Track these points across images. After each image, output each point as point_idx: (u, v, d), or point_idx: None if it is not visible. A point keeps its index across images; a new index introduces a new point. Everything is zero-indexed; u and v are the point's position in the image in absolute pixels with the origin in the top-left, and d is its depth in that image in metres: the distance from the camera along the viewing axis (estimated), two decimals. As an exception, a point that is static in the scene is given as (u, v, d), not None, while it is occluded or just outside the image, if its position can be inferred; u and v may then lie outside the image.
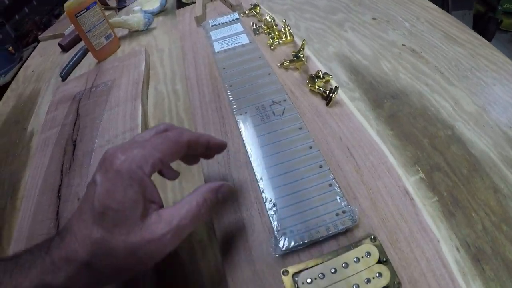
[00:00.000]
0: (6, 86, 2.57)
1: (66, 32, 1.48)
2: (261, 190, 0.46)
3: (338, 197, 0.43)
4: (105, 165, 0.33)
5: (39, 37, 1.71)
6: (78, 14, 0.95)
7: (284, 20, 0.78)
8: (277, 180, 0.46)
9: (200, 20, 0.96)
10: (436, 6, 0.90)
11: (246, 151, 0.52)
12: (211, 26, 0.91)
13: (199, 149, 0.40)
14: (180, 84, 0.80)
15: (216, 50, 0.79)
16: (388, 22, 0.84)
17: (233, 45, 0.78)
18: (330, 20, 0.89)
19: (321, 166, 0.46)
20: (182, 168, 0.53)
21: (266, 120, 0.55)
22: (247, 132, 0.55)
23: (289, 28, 0.76)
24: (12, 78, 2.58)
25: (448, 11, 1.92)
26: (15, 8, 4.08)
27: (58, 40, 1.41)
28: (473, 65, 0.67)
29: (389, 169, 0.46)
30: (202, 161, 0.52)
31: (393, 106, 0.59)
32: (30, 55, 2.94)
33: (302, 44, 0.67)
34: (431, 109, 0.58)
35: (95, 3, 0.98)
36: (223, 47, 0.79)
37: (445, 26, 0.80)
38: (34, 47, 3.10)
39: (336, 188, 0.44)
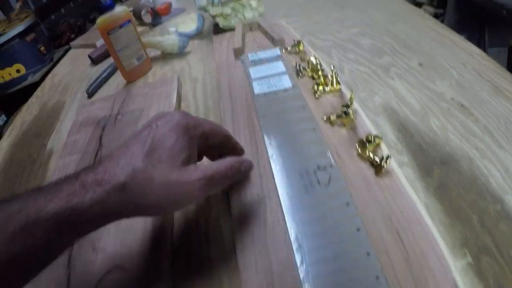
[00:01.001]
0: (33, 85, 2.63)
1: (98, 43, 1.48)
2: (301, 280, 0.41)
3: (385, 292, 0.38)
4: (166, 118, 0.41)
5: (71, 43, 1.73)
6: (110, 32, 0.93)
7: (332, 67, 0.73)
8: (319, 268, 0.42)
9: (238, 53, 0.92)
10: (480, 51, 0.87)
11: (286, 227, 0.47)
12: (250, 61, 0.87)
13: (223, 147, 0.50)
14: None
15: (255, 93, 0.74)
16: (435, 69, 0.80)
17: (274, 89, 0.73)
18: (376, 63, 0.85)
19: (368, 254, 0.41)
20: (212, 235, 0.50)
21: (310, 190, 0.49)
22: (288, 202, 0.50)
23: (336, 75, 0.71)
24: (41, 79, 2.62)
25: (484, 48, 1.90)
26: (52, 7, 4.14)
27: (90, 50, 1.40)
28: (524, 124, 0.62)
29: (439, 258, 0.41)
30: (235, 228, 0.49)
31: (443, 174, 0.55)
32: (60, 57, 2.98)
33: (351, 97, 0.62)
34: (481, 178, 0.53)
35: (129, 21, 0.96)
36: (263, 89, 0.75)
37: (492, 77, 0.75)
38: (66, 50, 3.12)
39: (383, 281, 0.39)
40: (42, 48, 2.90)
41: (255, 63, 0.85)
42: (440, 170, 0.55)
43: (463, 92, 0.72)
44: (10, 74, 2.68)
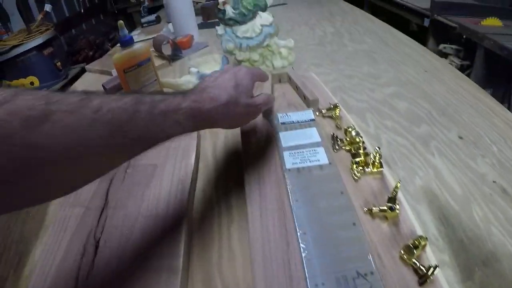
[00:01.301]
0: None
1: (114, 72, 1.44)
2: None
3: None
4: (239, 68, 0.63)
5: (86, 66, 1.69)
6: (127, 70, 0.89)
7: (377, 148, 0.66)
8: None
9: (267, 114, 0.83)
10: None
11: None
12: (281, 123, 0.79)
13: None
14: (235, 199, 0.67)
15: (287, 167, 0.66)
16: (475, 144, 0.76)
17: (309, 164, 0.66)
18: (414, 134, 0.81)
19: None
20: None
21: None
22: None
23: (380, 155, 0.65)
24: None
25: (509, 102, 1.86)
26: (73, 22, 4.20)
27: (105, 76, 1.40)
28: None
29: None
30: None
31: (484, 278, 0.50)
32: (75, 75, 3.00)
33: (397, 186, 0.56)
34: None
35: (149, 59, 0.92)
36: (296, 163, 0.66)
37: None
38: (82, 68, 3.17)
39: None
40: (59, 64, 2.95)
41: (286, 126, 0.77)
42: (482, 273, 0.50)
43: (504, 173, 0.67)
44: (23, 85, 2.72)
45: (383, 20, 1.70)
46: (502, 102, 1.90)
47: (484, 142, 0.77)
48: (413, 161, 0.73)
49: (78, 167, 0.36)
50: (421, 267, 0.46)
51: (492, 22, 2.10)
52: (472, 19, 2.15)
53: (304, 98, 0.91)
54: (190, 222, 0.62)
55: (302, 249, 0.50)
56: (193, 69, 1.08)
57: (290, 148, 0.70)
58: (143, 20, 2.39)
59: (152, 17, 2.41)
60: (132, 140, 0.40)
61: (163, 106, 0.44)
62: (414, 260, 0.47)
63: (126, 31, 0.90)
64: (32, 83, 2.74)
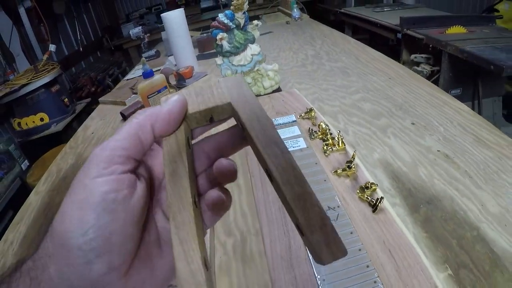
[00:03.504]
0: (55, 134, 2.87)
1: (128, 101, 1.66)
2: (318, 284, 0.58)
3: (381, 293, 0.55)
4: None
5: (100, 99, 1.90)
6: (150, 96, 1.11)
7: (339, 131, 0.91)
8: (332, 277, 0.58)
9: None
10: (468, 108, 1.04)
11: (306, 249, 0.64)
12: None
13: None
14: (243, 179, 0.90)
15: None
16: (425, 127, 0.98)
17: (292, 149, 0.91)
18: (375, 125, 1.03)
19: (368, 266, 0.58)
20: (246, 258, 0.66)
21: None
22: None
23: (342, 137, 0.89)
24: (63, 128, 2.81)
25: (479, 100, 2.08)
26: (72, 60, 4.40)
27: (118, 107, 1.58)
28: (500, 167, 0.79)
29: (422, 269, 0.57)
30: (267, 254, 0.65)
31: (428, 211, 0.71)
32: (82, 109, 3.15)
33: (353, 155, 0.80)
34: (460, 213, 0.69)
35: (165, 87, 1.15)
36: None
37: (476, 129, 0.93)
38: (87, 103, 3.32)
39: (380, 285, 0.56)
40: (66, 100, 3.06)
41: (275, 127, 1.03)
42: (426, 208, 0.72)
43: (448, 145, 0.89)
44: (33, 122, 2.83)
45: (366, 38, 1.92)
46: (472, 99, 2.14)
47: (433, 125, 0.99)
48: (373, 143, 0.96)
49: None
50: (372, 200, 0.68)
51: (456, 30, 2.32)
52: (438, 30, 2.38)
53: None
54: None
55: None
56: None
57: None
58: (144, 55, 2.62)
59: (152, 52, 2.66)
60: None
61: None
62: (367, 197, 0.69)
63: (148, 66, 1.16)
64: (42, 119, 2.84)
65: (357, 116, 1.10)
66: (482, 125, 0.95)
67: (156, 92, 1.13)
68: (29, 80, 2.72)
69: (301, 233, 0.27)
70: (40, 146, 2.73)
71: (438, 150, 0.88)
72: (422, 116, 1.04)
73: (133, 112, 1.42)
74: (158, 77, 1.15)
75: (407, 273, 0.57)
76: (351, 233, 0.65)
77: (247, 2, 1.25)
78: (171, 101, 0.31)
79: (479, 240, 0.63)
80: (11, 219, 2.35)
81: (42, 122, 2.86)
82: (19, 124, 2.83)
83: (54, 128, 2.89)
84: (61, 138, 2.83)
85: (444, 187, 0.77)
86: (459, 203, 0.72)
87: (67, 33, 4.67)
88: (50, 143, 2.70)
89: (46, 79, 2.81)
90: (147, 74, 1.16)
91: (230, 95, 0.32)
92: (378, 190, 0.72)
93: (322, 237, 0.25)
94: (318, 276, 0.59)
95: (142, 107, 1.44)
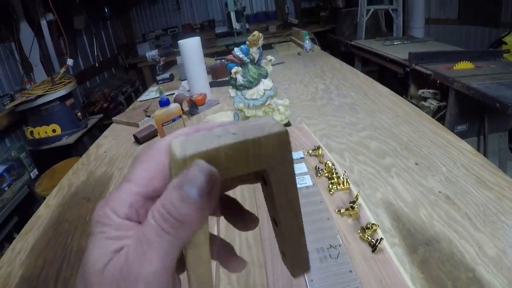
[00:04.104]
0: (66, 147, 2.93)
1: (140, 123, 1.72)
2: None
3: (376, 331, 0.59)
4: None
5: (113, 118, 1.96)
6: (164, 124, 1.16)
7: (344, 171, 0.95)
8: None
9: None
10: (471, 148, 1.07)
11: (307, 285, 0.67)
12: None
13: None
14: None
15: None
16: (428, 168, 1.01)
17: (299, 186, 0.95)
18: (380, 164, 1.07)
19: (364, 307, 0.63)
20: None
21: (324, 261, 0.71)
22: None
23: (347, 177, 0.93)
24: (75, 142, 2.90)
25: (484, 135, 2.11)
26: (88, 74, 4.49)
27: (131, 128, 1.65)
28: (499, 209, 0.82)
29: (417, 311, 0.61)
30: (269, 286, 0.69)
31: (426, 252, 0.74)
32: (94, 124, 3.23)
33: (357, 195, 0.84)
34: (457, 254, 0.72)
35: (180, 116, 1.20)
36: None
37: (478, 170, 0.96)
38: (99, 119, 3.39)
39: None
40: (79, 114, 3.13)
41: None
42: (424, 249, 0.75)
43: (450, 186, 0.93)
44: (46, 132, 2.89)
45: (375, 71, 1.96)
46: (478, 135, 2.18)
47: (436, 165, 1.03)
48: (376, 182, 1.00)
49: None
50: (372, 240, 0.72)
51: (463, 65, 2.36)
52: (446, 65, 2.43)
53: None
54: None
55: None
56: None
57: None
58: (158, 77, 2.71)
59: (167, 75, 2.74)
60: None
61: None
62: (368, 237, 0.73)
63: (164, 95, 1.21)
64: (54, 131, 2.89)
65: (363, 155, 1.14)
66: (484, 166, 0.98)
67: (171, 121, 1.18)
68: (45, 92, 2.80)
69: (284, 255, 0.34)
70: (50, 156, 2.80)
71: (439, 191, 0.91)
72: (426, 156, 1.07)
73: (146, 135, 1.49)
74: (174, 106, 1.20)
75: (403, 315, 0.61)
76: (350, 271, 0.68)
77: (262, 38, 1.30)
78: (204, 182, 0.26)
79: (474, 282, 0.66)
80: (16, 225, 2.42)
81: (54, 134, 2.92)
82: (31, 132, 2.89)
83: (66, 141, 2.96)
84: (71, 151, 2.90)
85: (443, 228, 0.80)
86: (456, 244, 0.75)
87: (84, 48, 4.79)
88: (60, 155, 2.77)
89: (62, 92, 2.89)
90: (164, 103, 1.21)
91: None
92: (378, 230, 0.76)
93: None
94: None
95: (155, 131, 1.49)
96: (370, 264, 0.70)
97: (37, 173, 2.81)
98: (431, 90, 2.45)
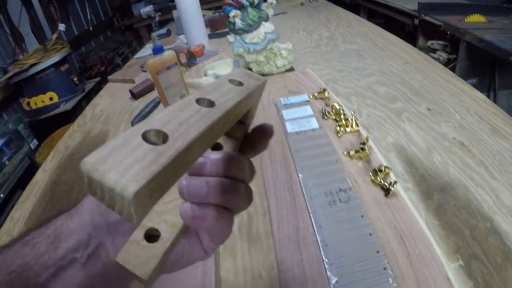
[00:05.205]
0: (65, 113, 2.85)
1: (137, 80, 1.64)
2: (326, 268, 0.56)
3: (390, 279, 0.53)
4: None
5: (109, 77, 1.89)
6: (159, 72, 1.08)
7: (352, 112, 0.89)
8: (340, 261, 0.57)
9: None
10: (484, 97, 1.00)
11: (314, 231, 0.62)
12: (283, 104, 1.04)
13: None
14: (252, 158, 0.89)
15: (288, 131, 0.91)
16: (441, 114, 0.95)
17: (304, 129, 0.90)
18: (389, 108, 1.00)
19: (378, 252, 0.57)
20: (252, 238, 0.65)
21: (334, 206, 0.66)
22: (316, 214, 0.66)
23: (355, 118, 0.87)
24: (72, 108, 2.81)
25: (494, 91, 2.03)
26: (82, 39, 4.38)
27: (127, 85, 1.57)
28: (515, 160, 0.75)
29: (434, 258, 0.55)
30: (274, 234, 0.63)
31: (441, 199, 0.69)
32: (92, 88, 3.14)
33: (367, 137, 0.78)
34: (474, 202, 0.67)
35: (175, 64, 1.12)
36: (295, 129, 0.91)
37: (492, 119, 0.90)
38: (96, 82, 3.29)
39: (389, 271, 0.54)
40: (75, 79, 3.05)
41: (287, 106, 1.03)
42: (439, 196, 0.69)
43: (464, 133, 0.86)
44: (43, 101, 2.81)
45: (381, 23, 1.87)
46: (488, 90, 2.10)
47: (449, 112, 0.96)
48: (387, 127, 0.93)
49: None
50: (385, 184, 0.66)
51: (475, 18, 2.26)
52: (457, 17, 2.32)
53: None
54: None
55: (300, 178, 0.74)
56: (210, 72, 1.28)
57: (291, 119, 0.96)
58: (155, 33, 2.60)
59: (163, 30, 2.63)
60: None
61: None
62: (380, 180, 0.67)
63: (158, 42, 1.13)
64: (51, 99, 2.83)
65: (372, 99, 1.07)
66: (498, 115, 0.92)
67: (166, 69, 1.10)
68: (38, 60, 2.70)
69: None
70: (49, 125, 2.71)
71: (453, 138, 0.85)
72: (438, 103, 1.00)
73: (143, 90, 1.42)
74: (169, 53, 1.12)
75: (418, 261, 0.56)
76: (362, 216, 0.63)
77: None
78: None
79: (492, 232, 0.61)
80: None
81: (52, 102, 2.85)
82: (28, 103, 2.82)
83: (63, 107, 2.88)
84: (70, 117, 2.80)
85: (458, 175, 0.74)
86: (473, 192, 0.69)
87: (77, 13, 4.62)
88: (60, 122, 2.68)
89: (55, 58, 2.80)
90: (157, 50, 1.13)
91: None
92: (391, 174, 0.70)
93: None
94: (326, 260, 0.57)
95: (151, 85, 1.42)
96: (383, 209, 0.64)
97: (37, 143, 2.75)
98: (440, 42, 2.35)
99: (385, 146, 0.86)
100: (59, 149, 1.23)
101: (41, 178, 1.06)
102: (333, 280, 0.54)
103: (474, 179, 0.72)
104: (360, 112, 1.01)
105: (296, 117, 0.95)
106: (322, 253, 0.58)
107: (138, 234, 0.30)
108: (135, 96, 1.45)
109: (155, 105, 1.28)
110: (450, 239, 0.61)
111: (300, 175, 0.76)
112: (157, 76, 1.08)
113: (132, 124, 1.18)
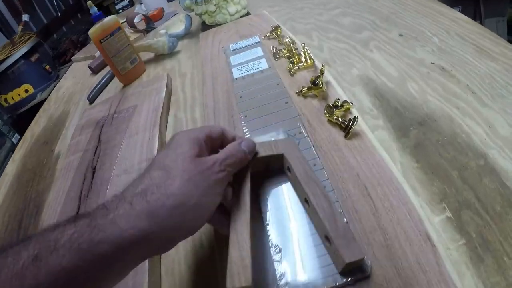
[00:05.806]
0: (42, 103, 2.68)
1: (97, 54, 1.53)
2: (268, 235, 0.43)
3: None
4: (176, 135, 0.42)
5: (73, 58, 1.81)
6: (102, 40, 0.97)
7: (303, 44, 0.75)
8: (284, 224, 0.44)
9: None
10: (467, 18, 0.85)
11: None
12: (232, 50, 0.91)
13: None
14: (198, 112, 0.79)
15: (234, 77, 0.78)
16: (416, 38, 0.81)
17: (252, 71, 0.77)
18: (355, 39, 0.86)
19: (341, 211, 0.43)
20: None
21: None
22: None
23: (308, 51, 0.73)
24: (49, 95, 2.69)
25: (481, 20, 1.88)
26: (53, 27, 4.26)
27: (89, 62, 1.44)
28: (508, 81, 0.62)
29: (409, 211, 0.42)
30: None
31: (420, 134, 0.55)
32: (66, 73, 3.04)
33: (322, 69, 0.64)
34: (462, 136, 0.53)
35: (119, 28, 1.00)
36: (242, 73, 0.78)
37: (477, 39, 0.75)
38: (70, 66, 3.18)
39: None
40: (47, 67, 3.00)
41: (236, 51, 0.89)
42: (418, 131, 0.56)
43: (444, 57, 0.72)
44: (19, 95, 2.79)
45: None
46: (474, 19, 1.94)
47: (425, 36, 0.81)
48: (351, 58, 0.79)
49: None
50: (343, 121, 0.52)
51: None
52: None
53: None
54: (162, 130, 0.76)
55: (243, 127, 0.62)
56: (162, 31, 1.15)
57: (238, 64, 0.83)
58: (117, 6, 2.45)
59: (126, 1, 2.48)
60: None
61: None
62: (338, 118, 0.53)
63: (96, 9, 1.01)
64: (27, 91, 2.81)
65: (335, 32, 0.93)
66: (484, 35, 0.77)
67: (109, 35, 0.98)
68: (7, 55, 2.69)
69: (328, 241, 0.39)
70: (30, 117, 2.65)
71: (432, 63, 0.71)
72: (412, 27, 0.86)
73: (100, 63, 1.30)
74: (109, 18, 0.99)
75: (388, 217, 0.42)
76: (314, 165, 0.49)
77: None
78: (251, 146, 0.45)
79: (487, 170, 0.48)
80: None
81: (28, 93, 2.83)
82: (6, 100, 2.81)
83: (40, 97, 2.85)
84: None
85: (440, 104, 0.60)
86: (460, 124, 0.56)
87: (42, 2, 4.47)
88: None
89: (23, 50, 2.78)
90: (97, 17, 1.00)
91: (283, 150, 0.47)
92: (353, 109, 0.56)
93: (344, 242, 0.37)
94: (267, 224, 0.44)
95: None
96: (343, 153, 0.51)
97: (18, 137, 2.69)
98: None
99: (349, 80, 0.72)
100: (26, 137, 1.18)
101: (10, 169, 1.01)
102: (276, 248, 0.42)
103: (460, 107, 0.59)
104: (321, 47, 0.87)
105: (245, 61, 0.83)
106: (262, 215, 0.46)
107: None
108: (93, 71, 1.37)
109: (110, 76, 1.17)
110: (434, 185, 0.48)
111: (243, 123, 0.63)
112: (101, 44, 0.97)
113: (88, 99, 1.09)
